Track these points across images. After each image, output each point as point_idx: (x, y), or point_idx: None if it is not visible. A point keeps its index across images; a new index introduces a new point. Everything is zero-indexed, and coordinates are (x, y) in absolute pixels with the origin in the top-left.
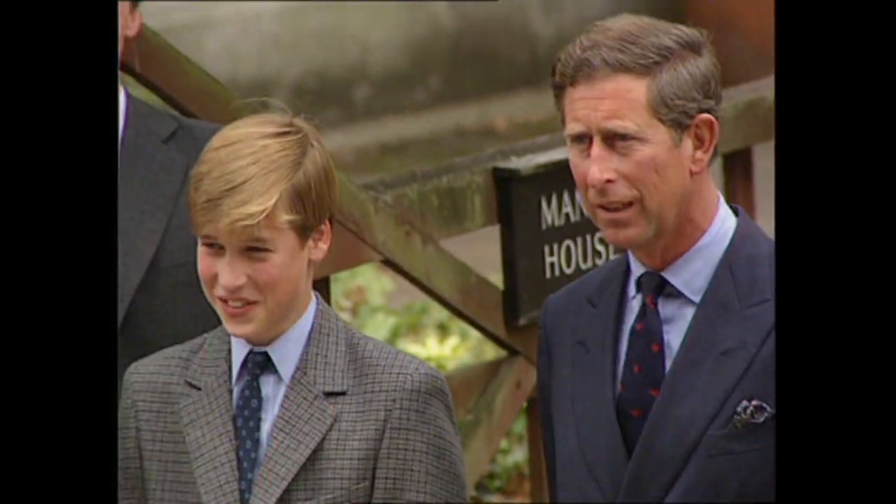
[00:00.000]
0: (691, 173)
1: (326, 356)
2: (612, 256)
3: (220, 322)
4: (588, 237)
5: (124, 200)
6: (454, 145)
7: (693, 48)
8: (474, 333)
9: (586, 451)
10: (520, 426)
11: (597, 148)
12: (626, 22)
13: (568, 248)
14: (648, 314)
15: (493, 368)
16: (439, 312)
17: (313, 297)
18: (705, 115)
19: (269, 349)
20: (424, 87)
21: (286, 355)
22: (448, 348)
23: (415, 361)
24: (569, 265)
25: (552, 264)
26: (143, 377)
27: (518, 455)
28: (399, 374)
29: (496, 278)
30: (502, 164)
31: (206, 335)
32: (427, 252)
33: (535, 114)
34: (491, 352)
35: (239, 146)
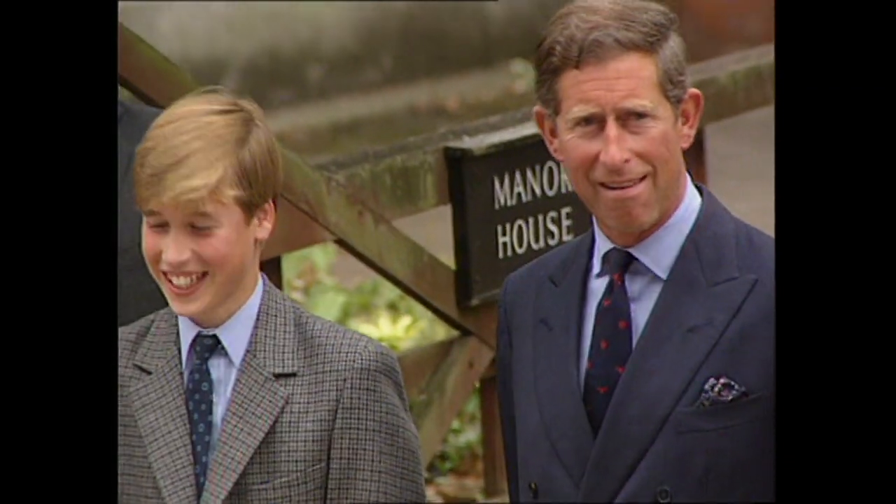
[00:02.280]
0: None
1: (275, 338)
2: (564, 237)
3: (167, 304)
4: (540, 217)
5: None
6: (406, 125)
7: (673, 24)
8: (426, 313)
9: (550, 430)
10: (472, 406)
11: (613, 128)
12: (607, 2)
13: (520, 228)
14: (616, 291)
15: (445, 348)
16: (391, 292)
17: (260, 279)
18: (693, 91)
19: (217, 331)
20: (376, 67)
21: (236, 337)
22: (400, 329)
23: (363, 339)
24: (521, 245)
25: (504, 244)
26: None
27: (470, 435)
28: (348, 353)
29: (448, 258)
30: (454, 144)
31: (152, 316)
32: (379, 232)
33: (486, 94)
34: (443, 332)
35: (183, 122)
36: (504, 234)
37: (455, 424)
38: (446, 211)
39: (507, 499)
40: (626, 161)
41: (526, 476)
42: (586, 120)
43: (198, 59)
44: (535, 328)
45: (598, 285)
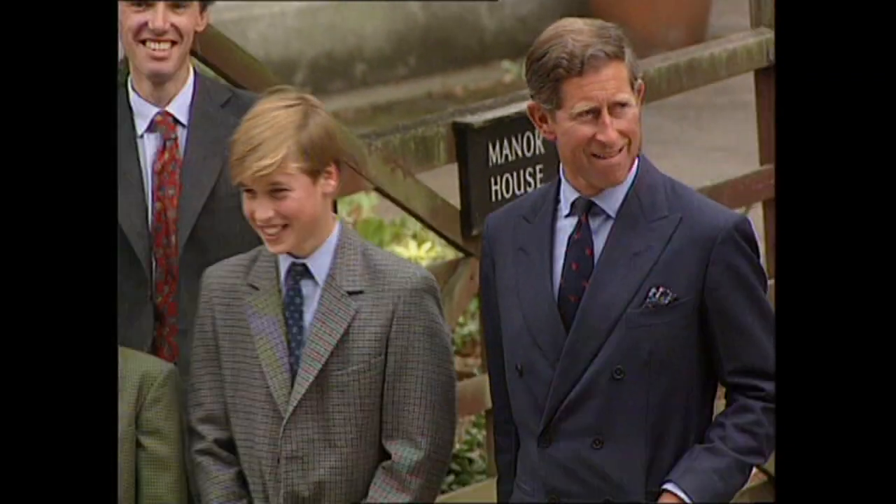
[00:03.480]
0: None
1: (348, 265)
2: (538, 185)
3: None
4: (521, 172)
5: (193, 147)
6: (426, 107)
7: (625, 37)
8: (440, 240)
9: (531, 328)
10: (473, 306)
11: (607, 116)
12: (582, 22)
13: (507, 180)
14: (582, 227)
15: (454, 266)
16: (415, 225)
17: (337, 221)
18: (640, 83)
19: (306, 261)
20: (404, 65)
21: (320, 265)
22: (423, 251)
23: (413, 266)
24: (507, 192)
25: (496, 191)
26: (216, 279)
27: (472, 327)
28: (401, 276)
29: (455, 201)
30: (460, 120)
31: (260, 248)
32: (406, 182)
33: (483, 84)
34: (452, 254)
35: (257, 118)
36: (495, 184)
37: (460, 320)
38: (454, 168)
39: None
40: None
41: (512, 360)
42: (587, 112)
43: (276, 60)
44: (515, 254)
45: (564, 224)
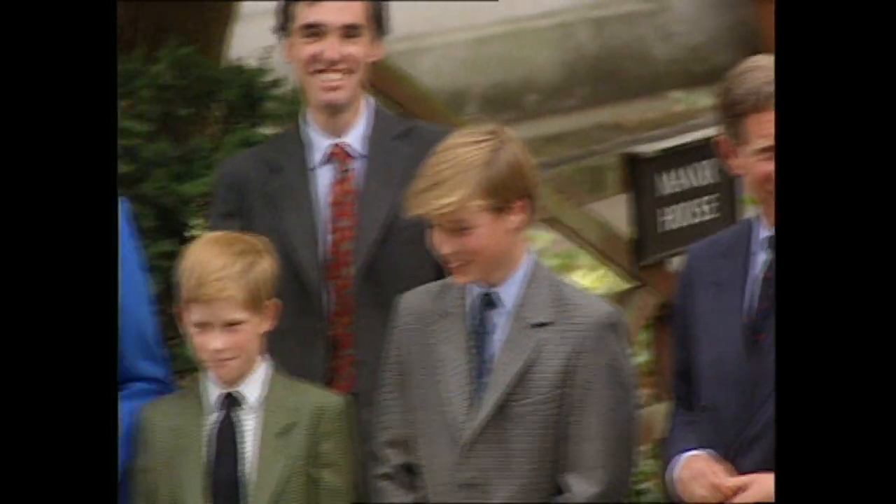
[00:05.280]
0: None
1: (537, 296)
2: (707, 217)
3: (437, 270)
4: (692, 202)
5: (369, 179)
6: (596, 137)
7: None
8: (609, 271)
9: (719, 363)
10: (643, 336)
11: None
12: (757, 61)
13: (674, 211)
14: (772, 266)
15: (626, 295)
16: (586, 255)
17: (527, 251)
18: None
19: (494, 290)
20: (574, 96)
21: (508, 295)
22: (595, 280)
23: (598, 301)
24: (677, 222)
25: (663, 222)
26: (409, 305)
27: (643, 356)
28: (588, 311)
29: (625, 231)
30: (630, 150)
31: (448, 278)
32: (577, 213)
33: (653, 114)
34: (623, 284)
35: (444, 154)
36: (665, 214)
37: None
38: (623, 198)
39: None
40: None
41: (699, 393)
42: (768, 148)
43: (447, 91)
44: (709, 288)
45: (756, 261)
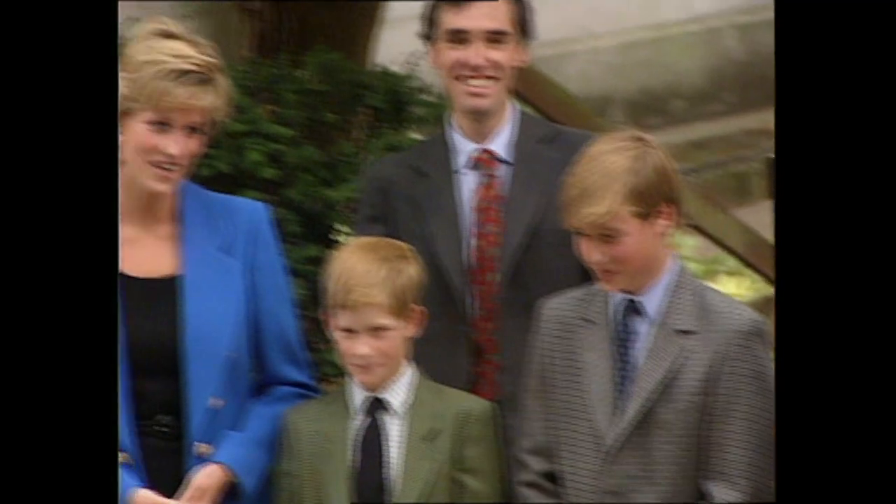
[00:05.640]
0: None
1: (682, 303)
2: None
3: (582, 274)
4: None
5: (516, 184)
6: (741, 143)
7: None
8: (755, 276)
9: None
10: None
11: None
12: None
13: None
14: None
15: (770, 301)
16: (730, 261)
17: (673, 258)
18: None
19: (639, 297)
20: (720, 102)
21: (652, 302)
22: (739, 287)
23: (743, 308)
24: None
25: None
26: (552, 311)
27: None
28: (733, 319)
29: (770, 236)
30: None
31: (596, 285)
32: (722, 218)
33: None
34: (767, 289)
35: (591, 163)
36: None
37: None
38: (769, 204)
39: None
40: None
41: None
42: None
43: (593, 96)
44: None
45: None
